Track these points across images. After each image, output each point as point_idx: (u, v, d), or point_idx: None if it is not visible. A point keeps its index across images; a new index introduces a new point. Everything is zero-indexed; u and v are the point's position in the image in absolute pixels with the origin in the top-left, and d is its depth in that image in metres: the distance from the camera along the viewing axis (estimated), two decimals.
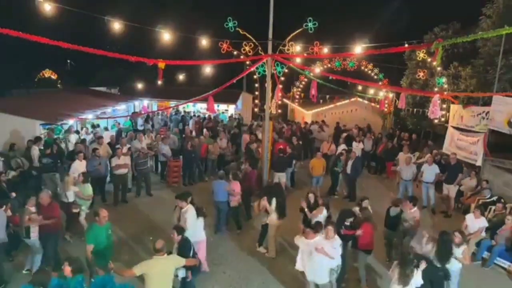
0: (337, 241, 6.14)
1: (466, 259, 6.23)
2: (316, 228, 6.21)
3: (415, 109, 18.78)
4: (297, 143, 13.95)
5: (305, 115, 24.21)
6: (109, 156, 11.05)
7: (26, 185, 9.23)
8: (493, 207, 8.99)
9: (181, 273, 5.80)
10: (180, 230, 5.94)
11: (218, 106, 20.76)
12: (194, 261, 5.73)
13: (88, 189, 8.36)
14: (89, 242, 5.92)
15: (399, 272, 5.40)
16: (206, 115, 20.40)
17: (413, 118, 19.49)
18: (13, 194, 8.07)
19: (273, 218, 7.73)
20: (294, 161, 12.26)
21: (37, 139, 10.81)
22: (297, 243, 6.27)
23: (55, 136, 12.24)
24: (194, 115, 20.82)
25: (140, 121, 17.84)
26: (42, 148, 10.92)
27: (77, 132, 14.28)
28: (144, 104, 22.42)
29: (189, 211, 6.74)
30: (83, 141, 12.09)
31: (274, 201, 7.75)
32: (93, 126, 14.81)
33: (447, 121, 14.55)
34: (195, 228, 6.77)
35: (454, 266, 6.13)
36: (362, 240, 6.81)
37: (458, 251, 6.15)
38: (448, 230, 6.47)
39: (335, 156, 12.06)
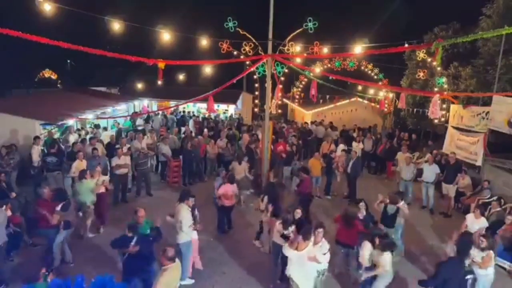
0: (325, 245, 5.99)
1: (484, 264, 6.16)
2: (305, 236, 5.91)
3: (415, 109, 18.80)
4: (297, 142, 13.96)
5: (305, 115, 24.22)
6: (103, 156, 11.05)
7: None
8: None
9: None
10: (131, 226, 6.01)
11: (218, 106, 20.75)
12: None
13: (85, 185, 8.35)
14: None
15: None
16: (206, 115, 20.40)
17: (413, 118, 19.52)
18: (13, 194, 8.08)
19: (266, 216, 7.82)
20: (295, 162, 12.30)
21: (36, 138, 10.78)
22: (288, 254, 5.98)
23: (55, 137, 12.25)
24: (194, 115, 20.80)
25: (138, 121, 17.82)
26: (43, 148, 10.95)
27: (79, 130, 14.34)
28: (144, 104, 22.42)
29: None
30: (82, 141, 12.09)
31: (265, 198, 7.96)
32: (96, 127, 14.84)
33: (447, 121, 14.55)
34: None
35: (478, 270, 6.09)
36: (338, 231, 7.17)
37: (479, 254, 6.17)
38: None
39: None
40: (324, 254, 5.88)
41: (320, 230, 5.95)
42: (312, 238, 5.91)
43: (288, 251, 5.94)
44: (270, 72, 10.67)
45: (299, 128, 17.86)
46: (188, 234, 6.65)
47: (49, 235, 7.05)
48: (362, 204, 7.36)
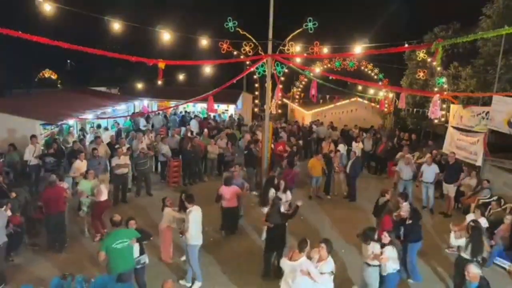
0: (328, 265, 5.37)
1: None
2: (300, 246, 5.38)
3: (415, 109, 18.80)
4: (296, 142, 13.95)
5: (305, 115, 24.24)
6: (108, 156, 11.06)
7: None
8: None
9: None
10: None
11: (218, 106, 20.74)
12: None
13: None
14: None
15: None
16: (206, 115, 20.41)
17: (413, 118, 19.52)
18: (13, 194, 8.08)
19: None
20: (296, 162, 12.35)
21: (31, 138, 10.68)
22: (282, 264, 5.61)
23: (56, 137, 12.26)
24: (196, 116, 20.76)
25: (143, 121, 17.81)
26: (42, 148, 10.94)
27: (82, 129, 14.35)
28: (144, 104, 22.42)
29: (193, 212, 6.71)
30: (81, 140, 12.10)
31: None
32: (98, 127, 14.84)
33: (447, 121, 14.54)
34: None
35: None
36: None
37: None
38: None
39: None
40: (322, 273, 5.28)
41: (323, 245, 5.38)
42: (316, 255, 5.46)
43: (283, 261, 5.61)
44: (270, 72, 10.68)
45: (300, 128, 17.87)
46: (195, 237, 6.63)
47: (60, 218, 7.73)
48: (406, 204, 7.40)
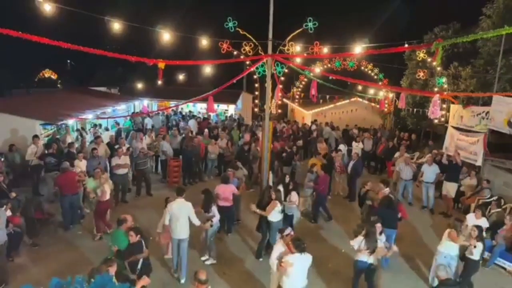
0: (290, 258, 5.36)
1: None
2: (280, 232, 5.92)
3: (415, 109, 18.80)
4: (293, 143, 13.92)
5: (305, 115, 24.23)
6: (107, 156, 11.06)
7: None
8: None
9: None
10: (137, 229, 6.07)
11: (218, 106, 20.74)
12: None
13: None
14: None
15: (366, 244, 6.12)
16: (206, 115, 20.40)
17: (413, 118, 19.51)
18: (13, 194, 8.09)
19: None
20: (295, 162, 12.34)
21: (34, 138, 10.75)
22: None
23: (56, 137, 12.27)
24: (195, 116, 20.76)
25: (149, 120, 17.80)
26: (43, 147, 10.97)
27: (82, 129, 14.35)
28: (144, 104, 22.43)
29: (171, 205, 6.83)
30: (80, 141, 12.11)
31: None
32: (99, 126, 14.83)
33: (447, 121, 14.55)
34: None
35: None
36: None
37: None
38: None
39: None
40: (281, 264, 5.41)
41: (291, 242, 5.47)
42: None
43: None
44: (270, 72, 10.66)
45: (299, 128, 17.84)
46: (172, 231, 6.78)
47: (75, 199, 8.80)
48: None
